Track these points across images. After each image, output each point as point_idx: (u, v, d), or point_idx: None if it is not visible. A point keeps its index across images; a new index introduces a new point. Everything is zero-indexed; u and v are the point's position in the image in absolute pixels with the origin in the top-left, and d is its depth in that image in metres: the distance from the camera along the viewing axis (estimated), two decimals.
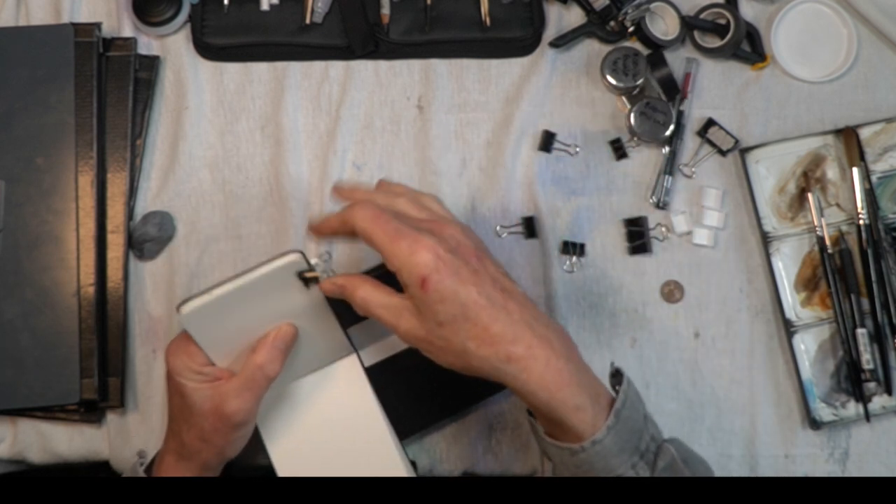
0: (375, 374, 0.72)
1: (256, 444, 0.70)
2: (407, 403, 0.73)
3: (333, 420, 0.71)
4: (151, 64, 0.80)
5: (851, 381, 0.77)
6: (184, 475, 0.68)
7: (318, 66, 0.81)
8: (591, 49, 0.82)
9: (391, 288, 0.61)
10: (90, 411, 0.75)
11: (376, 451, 0.71)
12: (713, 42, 0.81)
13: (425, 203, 0.64)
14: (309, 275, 0.64)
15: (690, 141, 0.81)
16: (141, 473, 0.70)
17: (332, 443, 0.71)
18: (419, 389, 0.73)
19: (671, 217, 0.79)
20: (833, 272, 0.77)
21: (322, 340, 0.70)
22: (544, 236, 0.78)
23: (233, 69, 0.81)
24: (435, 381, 0.71)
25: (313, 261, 0.65)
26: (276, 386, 0.68)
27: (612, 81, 0.78)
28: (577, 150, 0.80)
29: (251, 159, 0.80)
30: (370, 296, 0.61)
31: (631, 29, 0.80)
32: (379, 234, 0.58)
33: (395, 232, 0.58)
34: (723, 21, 0.80)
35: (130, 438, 0.76)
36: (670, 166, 0.79)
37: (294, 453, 0.71)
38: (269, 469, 0.72)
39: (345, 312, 0.67)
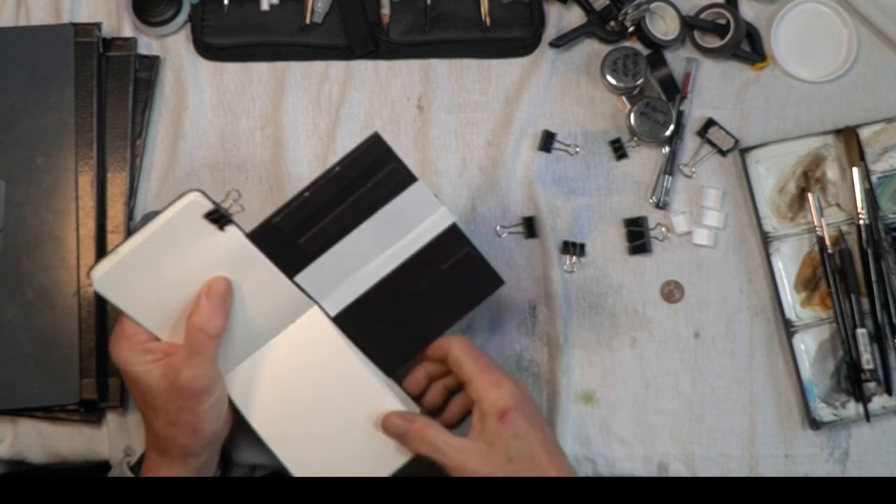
0: (346, 321, 0.69)
1: (239, 440, 0.69)
2: (387, 340, 0.70)
3: (313, 380, 0.68)
4: (151, 64, 0.80)
5: (851, 381, 0.77)
6: (167, 470, 0.66)
7: (318, 66, 0.81)
8: (591, 49, 0.82)
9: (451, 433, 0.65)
10: (90, 411, 0.75)
11: (367, 398, 0.68)
12: (713, 42, 0.81)
13: None
14: (217, 214, 0.62)
15: (690, 141, 0.81)
16: (127, 471, 0.70)
17: (319, 403, 0.68)
18: (396, 323, 0.70)
19: (671, 217, 0.79)
20: (833, 272, 0.77)
21: (270, 294, 0.66)
22: (544, 236, 0.78)
23: (233, 69, 0.81)
24: (409, 309, 0.69)
25: (223, 202, 0.63)
26: (240, 356, 0.66)
27: (612, 81, 0.78)
28: (577, 150, 0.80)
29: (251, 159, 0.80)
30: (438, 436, 0.65)
31: (631, 29, 0.80)
32: (470, 363, 0.66)
33: (484, 365, 0.66)
34: (723, 21, 0.80)
35: (130, 438, 0.76)
36: (670, 166, 0.79)
37: (281, 424, 0.68)
38: (266, 468, 0.72)
39: (283, 258, 0.65)
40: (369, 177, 0.65)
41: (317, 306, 0.69)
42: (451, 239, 0.69)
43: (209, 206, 0.62)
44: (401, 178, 0.66)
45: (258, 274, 0.65)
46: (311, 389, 0.68)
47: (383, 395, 0.68)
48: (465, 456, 0.63)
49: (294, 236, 0.65)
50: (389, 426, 0.66)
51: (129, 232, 0.77)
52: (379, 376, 0.69)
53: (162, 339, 0.64)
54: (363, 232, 0.67)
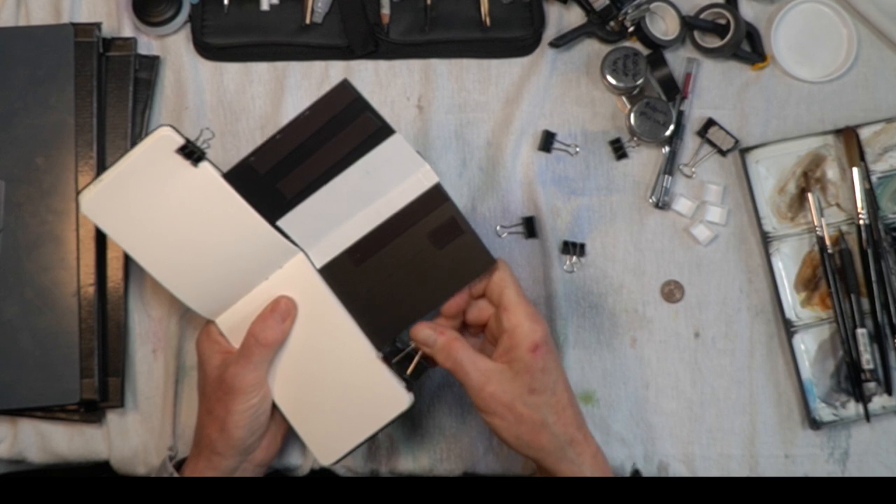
0: (332, 280, 0.69)
1: None
2: (374, 311, 0.69)
3: (302, 327, 0.69)
4: (151, 64, 0.80)
5: (851, 381, 0.77)
6: (194, 466, 0.68)
7: (318, 66, 0.81)
8: (591, 49, 0.82)
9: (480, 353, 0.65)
10: (90, 411, 0.75)
11: (354, 349, 0.69)
12: (713, 42, 0.81)
13: None
14: (189, 150, 0.64)
15: (690, 141, 0.81)
16: (170, 468, 0.70)
17: (308, 351, 0.69)
18: (383, 293, 0.69)
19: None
20: (833, 272, 0.77)
21: (250, 237, 0.67)
22: (544, 236, 0.78)
23: (233, 69, 0.81)
24: (396, 280, 0.69)
25: (197, 140, 0.65)
26: (229, 298, 0.68)
27: (612, 81, 0.78)
28: (577, 150, 0.80)
29: None
30: (465, 352, 0.65)
31: (631, 29, 0.80)
32: (513, 289, 0.66)
33: (524, 297, 0.66)
34: (723, 21, 0.80)
35: (130, 438, 0.76)
36: (670, 166, 0.79)
37: (272, 369, 0.69)
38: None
39: (263, 202, 0.67)
40: (342, 124, 0.66)
41: (302, 254, 0.69)
42: (435, 199, 0.68)
43: (181, 141, 0.65)
44: (377, 129, 0.66)
45: (235, 215, 0.67)
46: (300, 337, 0.69)
47: (370, 349, 0.69)
48: (487, 377, 0.64)
49: (271, 179, 0.67)
50: (418, 334, 0.67)
51: None
52: (361, 331, 0.69)
53: (151, 272, 0.67)
54: (343, 182, 0.67)
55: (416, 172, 0.68)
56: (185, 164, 0.65)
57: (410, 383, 0.69)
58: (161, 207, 0.66)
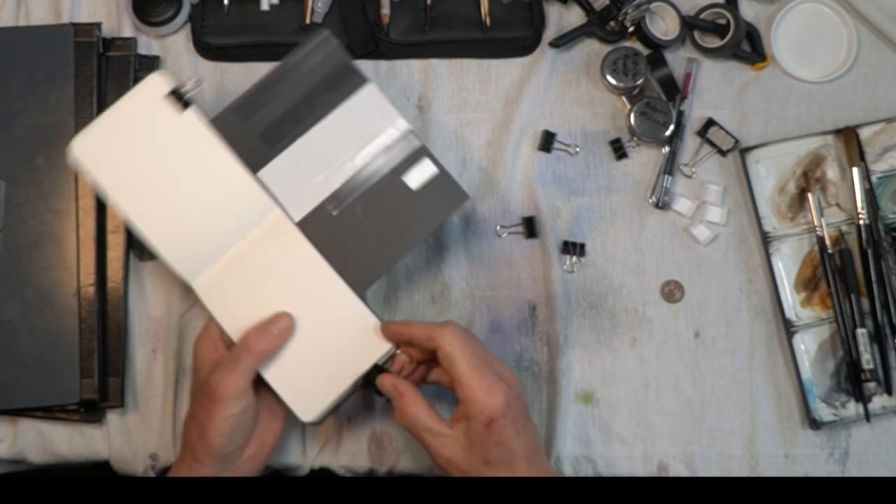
0: (311, 230, 0.70)
1: None
2: (353, 257, 0.70)
3: (282, 283, 0.69)
4: (151, 64, 0.80)
5: (851, 381, 0.77)
6: (176, 468, 0.67)
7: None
8: (591, 49, 0.82)
9: (438, 414, 0.65)
10: (90, 411, 0.75)
11: (336, 301, 0.69)
12: (713, 42, 0.81)
13: None
14: (178, 94, 0.67)
15: (690, 141, 0.81)
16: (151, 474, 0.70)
17: (289, 307, 0.69)
18: (361, 239, 0.70)
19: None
20: (833, 272, 0.77)
21: (232, 189, 0.69)
22: (544, 236, 0.78)
23: (233, 69, 0.81)
24: (374, 226, 0.70)
25: (185, 88, 0.68)
26: (208, 257, 0.69)
27: (612, 81, 0.78)
28: (577, 150, 0.80)
29: None
30: (421, 417, 0.64)
31: (631, 29, 0.80)
32: (463, 364, 0.63)
33: (477, 367, 0.63)
34: (723, 21, 0.80)
35: (130, 438, 0.76)
36: (670, 166, 0.79)
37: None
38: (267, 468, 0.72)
39: (245, 151, 0.69)
40: (321, 72, 0.70)
41: (280, 210, 0.70)
42: (409, 146, 0.71)
43: (171, 85, 0.67)
44: (352, 77, 0.70)
45: (219, 164, 0.69)
46: (280, 292, 0.69)
47: (351, 298, 0.69)
48: (444, 443, 0.63)
49: (254, 126, 0.70)
50: (382, 382, 0.67)
51: (130, 233, 0.77)
52: (343, 283, 0.70)
53: (130, 214, 0.68)
54: (321, 131, 0.70)
55: (391, 126, 0.71)
56: (173, 109, 0.67)
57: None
58: (147, 154, 0.68)
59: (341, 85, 0.70)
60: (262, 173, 0.70)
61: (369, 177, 0.71)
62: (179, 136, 0.68)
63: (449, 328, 0.64)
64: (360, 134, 0.71)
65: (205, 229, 0.69)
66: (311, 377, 0.68)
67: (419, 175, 0.70)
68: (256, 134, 0.70)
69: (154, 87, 0.68)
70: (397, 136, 0.71)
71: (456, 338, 0.64)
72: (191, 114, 0.68)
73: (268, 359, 0.67)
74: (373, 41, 0.80)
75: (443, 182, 0.71)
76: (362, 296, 0.70)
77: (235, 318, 0.68)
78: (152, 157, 0.68)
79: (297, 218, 0.70)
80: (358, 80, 0.70)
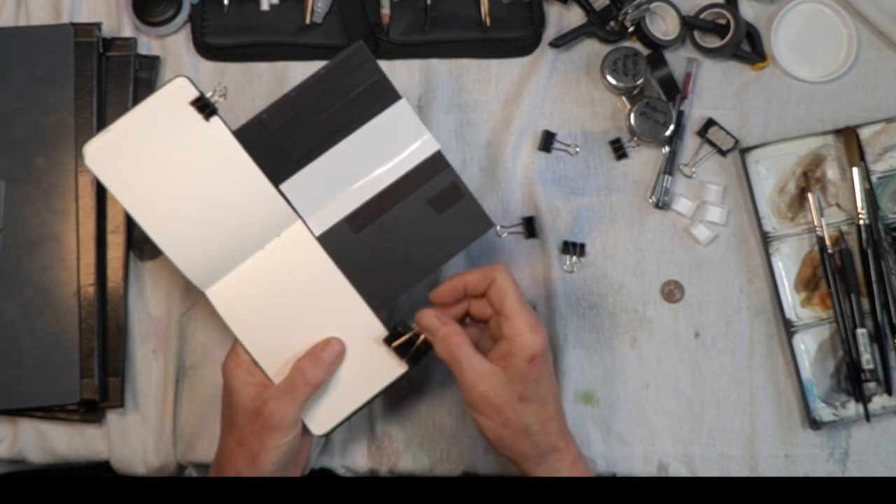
0: (331, 245, 0.69)
1: None
2: (373, 275, 0.69)
3: (299, 297, 0.69)
4: (151, 64, 0.80)
5: (851, 381, 0.77)
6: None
7: (318, 66, 0.80)
8: (591, 49, 0.82)
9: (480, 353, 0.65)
10: (90, 411, 0.75)
11: (353, 318, 0.69)
12: (713, 42, 0.81)
13: None
14: (203, 102, 0.64)
15: (690, 141, 0.81)
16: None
17: (305, 320, 0.68)
18: (382, 257, 0.69)
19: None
20: (833, 272, 0.77)
21: (254, 199, 0.67)
22: (544, 236, 0.78)
23: (233, 69, 0.81)
24: (396, 244, 0.69)
25: (211, 95, 0.66)
26: (225, 266, 0.67)
27: (612, 81, 0.78)
28: (577, 150, 0.80)
29: None
30: (464, 347, 0.65)
31: (631, 29, 0.80)
32: (514, 299, 0.65)
33: (525, 306, 0.65)
34: (723, 21, 0.80)
35: (130, 438, 0.76)
36: (670, 166, 0.79)
37: (266, 340, 0.68)
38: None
39: (269, 163, 0.67)
40: (354, 85, 0.68)
41: (300, 222, 0.69)
42: (436, 167, 0.69)
43: (195, 94, 0.65)
44: (384, 93, 0.68)
45: (242, 175, 0.67)
46: (296, 306, 0.69)
47: (368, 315, 0.69)
48: (481, 377, 0.64)
49: (280, 138, 0.67)
50: (422, 319, 0.67)
51: (130, 233, 0.77)
52: (359, 296, 0.69)
53: (147, 228, 0.66)
54: (348, 146, 0.68)
55: (418, 140, 0.69)
56: (196, 117, 0.65)
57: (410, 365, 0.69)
58: (166, 161, 0.66)
59: (374, 100, 0.68)
60: (285, 186, 0.68)
61: (394, 196, 0.69)
62: (203, 143, 0.66)
63: (503, 266, 0.67)
64: (389, 151, 0.68)
65: (222, 238, 0.67)
66: (326, 392, 0.68)
67: (446, 200, 0.69)
68: (282, 145, 0.67)
69: (178, 92, 0.65)
70: (427, 157, 0.69)
71: (510, 275, 0.66)
72: (217, 122, 0.66)
73: (321, 385, 0.67)
74: (373, 41, 0.80)
75: (468, 208, 0.69)
76: (381, 313, 0.69)
77: (249, 328, 0.68)
78: (171, 164, 0.66)
79: (318, 232, 0.69)
80: (391, 96, 0.68)
